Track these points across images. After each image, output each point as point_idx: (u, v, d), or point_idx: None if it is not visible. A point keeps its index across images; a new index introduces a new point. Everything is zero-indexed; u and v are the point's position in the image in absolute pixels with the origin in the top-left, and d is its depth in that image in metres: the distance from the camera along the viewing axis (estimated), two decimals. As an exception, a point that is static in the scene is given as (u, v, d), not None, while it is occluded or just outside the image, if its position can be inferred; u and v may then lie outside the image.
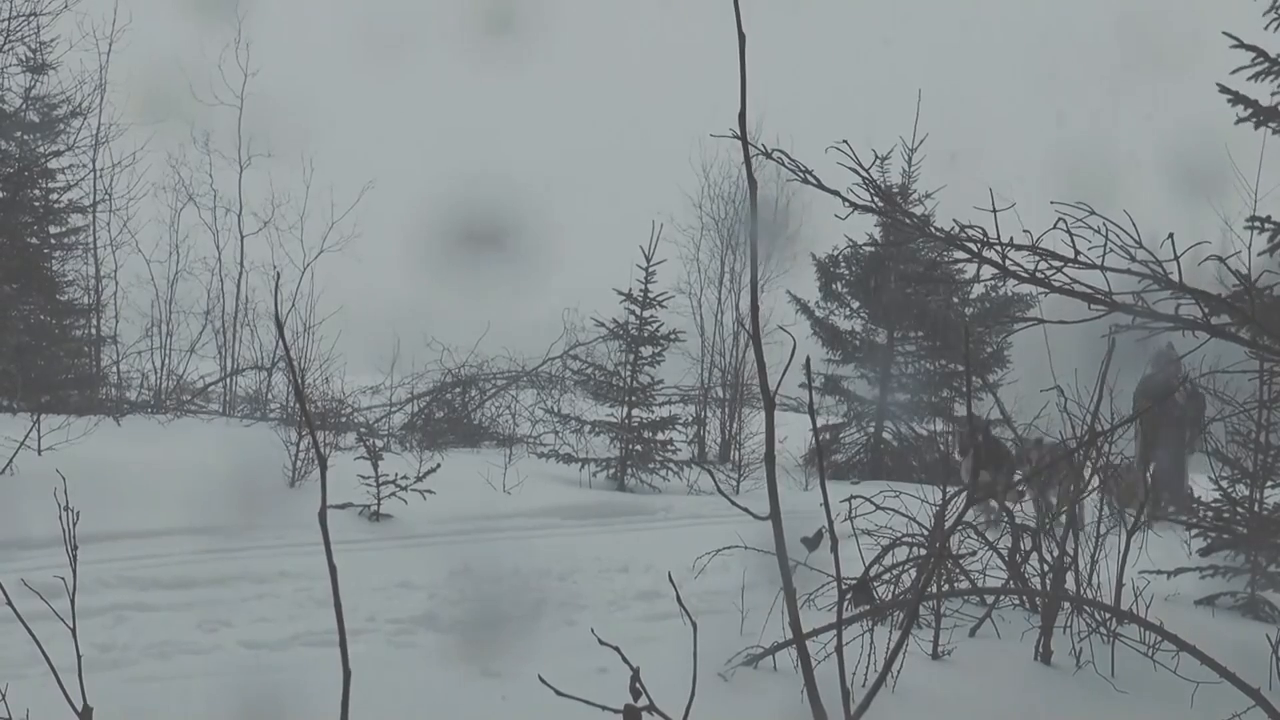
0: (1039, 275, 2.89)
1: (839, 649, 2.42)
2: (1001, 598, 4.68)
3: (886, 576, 5.07)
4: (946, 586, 4.68)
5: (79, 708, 2.01)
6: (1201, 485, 8.40)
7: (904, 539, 5.44)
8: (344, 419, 12.58)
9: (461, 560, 5.89)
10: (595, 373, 12.85)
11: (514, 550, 6.64)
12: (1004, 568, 5.04)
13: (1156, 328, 3.03)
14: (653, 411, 12.44)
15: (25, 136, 14.07)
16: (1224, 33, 5.85)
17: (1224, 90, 5.87)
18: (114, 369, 14.68)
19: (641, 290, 12.15)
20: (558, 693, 1.97)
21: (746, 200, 2.46)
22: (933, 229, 3.25)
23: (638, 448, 12.05)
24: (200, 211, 15.53)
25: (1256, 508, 6.02)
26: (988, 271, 2.99)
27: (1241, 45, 5.83)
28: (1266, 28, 5.99)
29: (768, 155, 2.67)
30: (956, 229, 2.92)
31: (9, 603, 2.13)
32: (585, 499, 9.59)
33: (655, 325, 12.39)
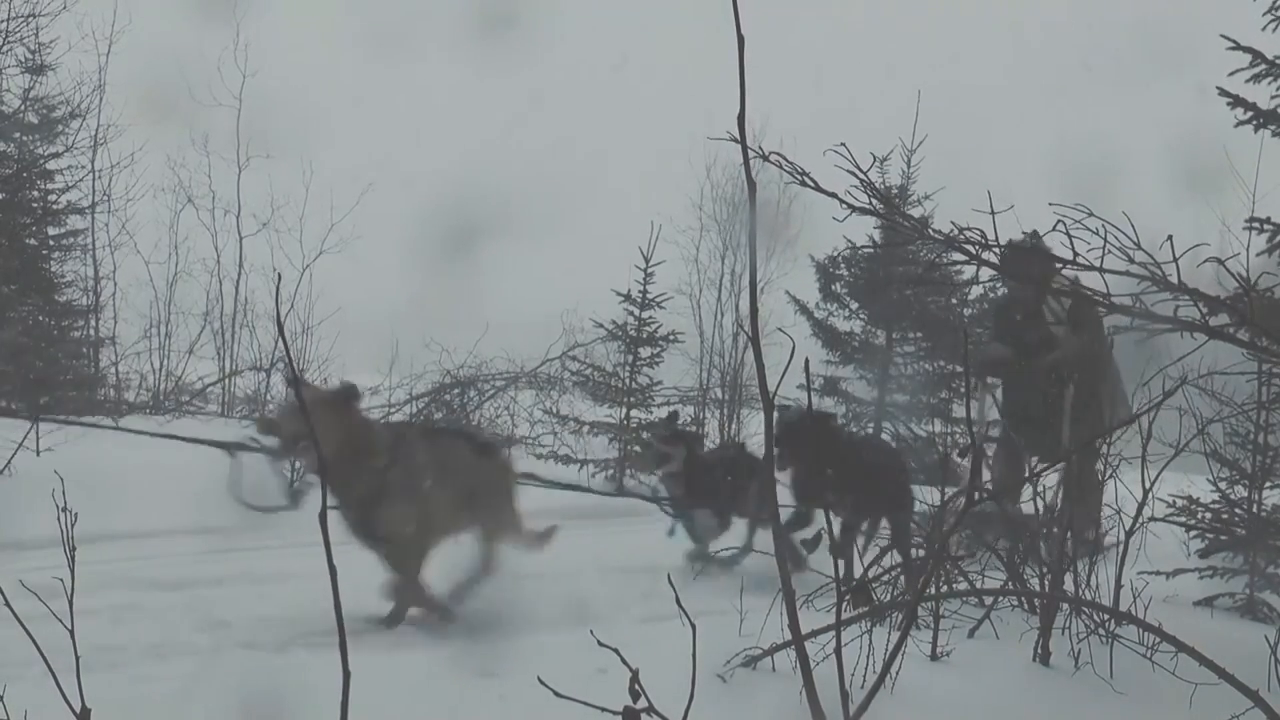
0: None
1: (838, 650, 2.43)
2: (1000, 599, 4.68)
3: (885, 578, 5.07)
4: (945, 587, 4.68)
5: (77, 709, 2.01)
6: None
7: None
8: (343, 420, 12.54)
9: (460, 561, 5.87)
10: (594, 374, 12.85)
11: (512, 550, 6.63)
12: (1003, 569, 5.04)
13: (1155, 329, 3.04)
14: (651, 412, 12.44)
15: (24, 138, 14.06)
16: (1221, 35, 5.86)
17: (1224, 94, 5.87)
18: (113, 370, 14.68)
19: (640, 291, 12.16)
20: (557, 694, 1.98)
21: (746, 201, 2.47)
22: (931, 231, 3.25)
23: (636, 448, 12.05)
24: (199, 213, 15.55)
25: (1255, 509, 6.02)
26: (986, 273, 3.00)
27: (1238, 47, 5.84)
28: (1265, 28, 6.00)
29: (765, 158, 2.67)
30: (955, 231, 2.92)
31: (7, 604, 2.13)
32: (584, 500, 9.58)
33: (654, 326, 12.40)
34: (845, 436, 8.54)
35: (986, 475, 7.91)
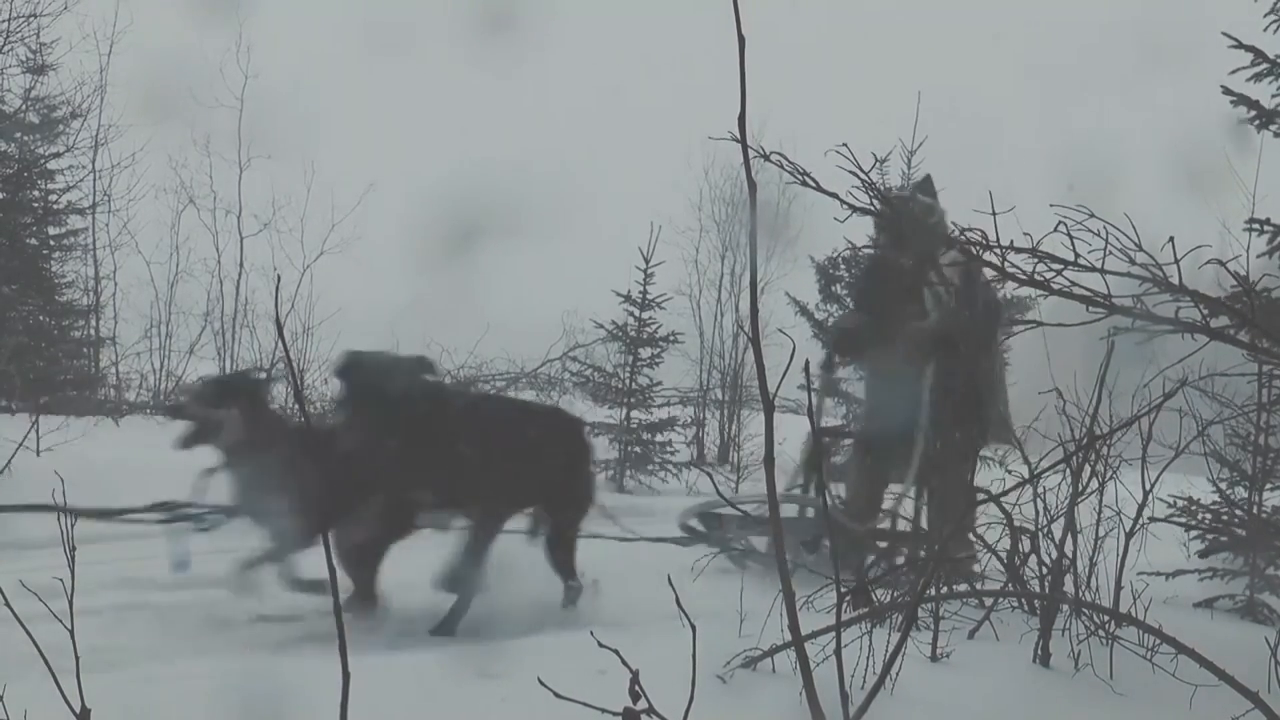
0: (1038, 278, 2.90)
1: (838, 651, 2.42)
2: (1000, 600, 4.68)
3: (885, 579, 5.06)
4: (945, 589, 4.68)
5: (77, 709, 2.01)
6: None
7: (903, 541, 5.43)
8: (343, 420, 12.57)
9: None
10: (594, 374, 12.87)
11: (513, 551, 6.64)
12: (1003, 570, 5.04)
13: (1156, 330, 3.04)
14: (651, 413, 12.47)
15: (25, 137, 14.08)
16: (1223, 33, 5.86)
17: (1227, 92, 5.88)
18: (113, 370, 14.70)
19: (640, 292, 12.17)
20: (557, 695, 1.97)
21: (746, 202, 2.47)
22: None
23: (636, 449, 12.07)
24: (200, 213, 15.57)
25: (1255, 510, 6.01)
26: (987, 274, 2.99)
27: (1240, 46, 5.84)
28: (1266, 29, 6.00)
29: (766, 157, 2.67)
30: (956, 231, 2.92)
31: (7, 604, 2.13)
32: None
33: (654, 327, 12.42)
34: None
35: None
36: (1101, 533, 4.83)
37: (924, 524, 5.86)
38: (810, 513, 6.67)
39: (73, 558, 2.20)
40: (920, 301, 5.90)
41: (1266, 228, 5.83)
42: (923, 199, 5.85)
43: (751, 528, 6.15)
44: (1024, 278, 2.94)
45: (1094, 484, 4.63)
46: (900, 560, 5.24)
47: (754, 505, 6.52)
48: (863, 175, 2.83)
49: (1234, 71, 5.91)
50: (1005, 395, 5.63)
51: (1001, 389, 5.91)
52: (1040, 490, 4.75)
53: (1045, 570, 4.75)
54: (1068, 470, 4.45)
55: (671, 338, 12.60)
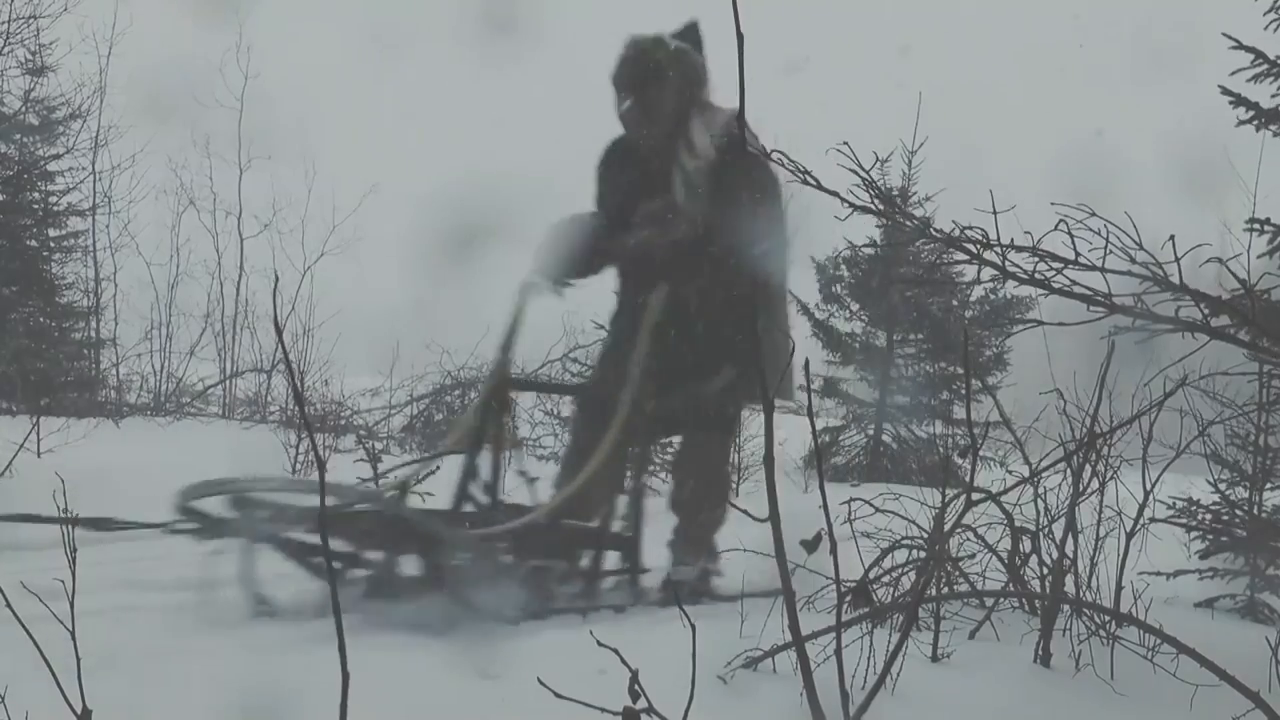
0: (1039, 277, 2.90)
1: (838, 652, 2.43)
2: (1001, 600, 4.68)
3: (886, 579, 5.06)
4: (946, 589, 4.68)
5: (78, 710, 2.01)
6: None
7: (903, 542, 5.42)
8: (343, 421, 12.60)
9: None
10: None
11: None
12: (1004, 570, 5.03)
13: (1156, 329, 3.04)
14: (652, 414, 12.44)
15: (25, 139, 14.09)
16: (1223, 34, 5.86)
17: (1226, 92, 5.87)
18: (113, 371, 14.72)
19: (641, 293, 12.17)
20: (557, 695, 1.97)
21: (746, 202, 2.46)
22: (933, 230, 3.24)
23: (636, 450, 12.05)
24: (200, 214, 15.60)
25: (1255, 510, 6.01)
26: (988, 273, 3.00)
27: (1241, 47, 5.84)
28: (1266, 28, 6.00)
29: (767, 156, 2.67)
30: (956, 230, 2.92)
31: (8, 605, 2.13)
32: (585, 501, 9.55)
33: (654, 328, 12.42)
34: None
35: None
36: (1102, 533, 4.83)
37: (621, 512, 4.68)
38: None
39: (73, 559, 2.20)
40: (667, 192, 4.28)
41: (1267, 227, 5.83)
42: (673, 43, 4.30)
43: (291, 521, 4.65)
44: (1024, 276, 2.94)
45: (1094, 484, 4.63)
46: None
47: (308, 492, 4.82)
48: (864, 174, 2.83)
49: (1234, 72, 5.91)
50: (786, 341, 4.13)
51: (781, 327, 4.41)
52: (1040, 490, 4.75)
53: (1046, 570, 4.75)
54: (1068, 470, 4.45)
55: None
